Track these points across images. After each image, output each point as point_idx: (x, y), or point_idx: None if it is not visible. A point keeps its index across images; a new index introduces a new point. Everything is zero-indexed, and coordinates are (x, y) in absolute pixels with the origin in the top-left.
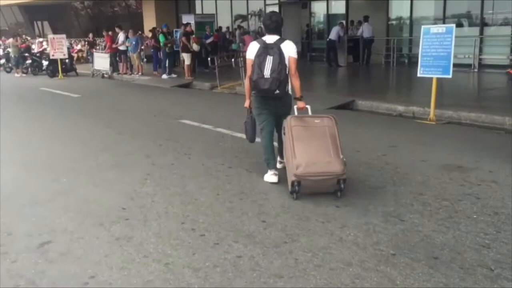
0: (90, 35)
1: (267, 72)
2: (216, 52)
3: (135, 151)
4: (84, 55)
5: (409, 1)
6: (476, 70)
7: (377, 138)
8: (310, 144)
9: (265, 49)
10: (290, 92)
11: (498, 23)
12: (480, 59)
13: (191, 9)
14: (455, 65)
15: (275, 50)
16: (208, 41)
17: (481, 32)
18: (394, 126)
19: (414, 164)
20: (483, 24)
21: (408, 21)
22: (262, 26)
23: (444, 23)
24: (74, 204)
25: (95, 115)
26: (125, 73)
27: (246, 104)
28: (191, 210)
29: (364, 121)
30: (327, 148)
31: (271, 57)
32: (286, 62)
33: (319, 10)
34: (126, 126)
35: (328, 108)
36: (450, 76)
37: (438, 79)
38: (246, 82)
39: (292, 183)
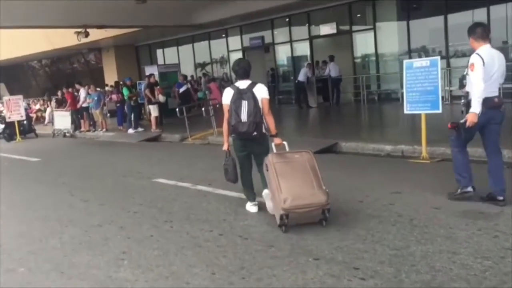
0: (59, 93)
1: (244, 116)
2: (190, 101)
3: (106, 223)
4: (44, 114)
5: (373, 38)
6: (448, 102)
7: (375, 184)
8: (293, 179)
9: (240, 95)
10: (265, 131)
11: (465, 54)
12: (450, 91)
13: (152, 60)
14: None
15: (248, 94)
16: (182, 89)
17: (448, 64)
18: (388, 169)
19: (428, 213)
20: (449, 56)
21: (373, 58)
22: (226, 72)
23: (410, 57)
24: None
25: (56, 181)
26: (88, 130)
27: (225, 147)
28: None
29: (353, 165)
30: (310, 181)
31: (246, 102)
32: (260, 104)
33: (283, 52)
34: (93, 191)
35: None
36: (439, 111)
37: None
38: (225, 125)
39: (281, 216)
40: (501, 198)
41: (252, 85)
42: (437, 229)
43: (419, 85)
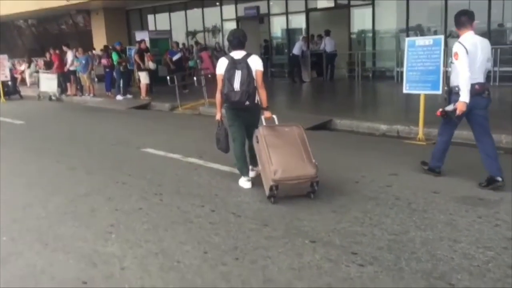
0: (47, 55)
1: (237, 85)
2: (183, 70)
3: (93, 193)
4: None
5: (371, 14)
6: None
7: (371, 164)
8: (284, 151)
9: (234, 64)
10: (258, 102)
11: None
12: (447, 72)
13: (143, 26)
14: None
15: (243, 65)
16: (175, 57)
17: (446, 44)
18: (383, 149)
19: (427, 198)
20: (446, 36)
21: (370, 34)
22: (219, 42)
23: (407, 35)
24: (16, 277)
25: (42, 146)
26: (75, 95)
27: (218, 116)
28: (174, 279)
29: (348, 143)
30: (300, 154)
31: (240, 72)
32: (253, 75)
33: (278, 24)
34: (80, 159)
35: (306, 129)
36: (440, 92)
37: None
38: (218, 95)
39: (271, 187)
40: (499, 178)
41: (247, 56)
42: (437, 215)
43: (420, 64)
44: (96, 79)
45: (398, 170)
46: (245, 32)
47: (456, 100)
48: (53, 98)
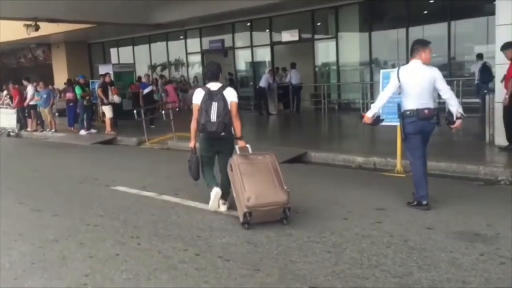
0: (5, 91)
1: (213, 117)
2: (154, 103)
3: (62, 238)
4: None
5: (335, 47)
6: None
7: (355, 199)
8: (257, 178)
9: (210, 96)
10: (232, 133)
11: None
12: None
13: (106, 59)
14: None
15: (219, 96)
16: (147, 90)
17: None
18: (363, 182)
19: (422, 234)
20: None
21: (334, 67)
22: (183, 75)
23: (371, 68)
24: None
25: (1, 186)
26: (35, 130)
27: (191, 144)
28: None
29: (327, 177)
30: (272, 181)
31: (216, 103)
32: (229, 107)
33: (243, 57)
34: (45, 199)
35: (281, 162)
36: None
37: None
38: (193, 124)
39: (244, 214)
40: (424, 202)
41: (223, 88)
42: (437, 253)
43: (395, 96)
44: (57, 114)
45: (384, 204)
46: (220, 65)
47: (407, 122)
48: (12, 134)
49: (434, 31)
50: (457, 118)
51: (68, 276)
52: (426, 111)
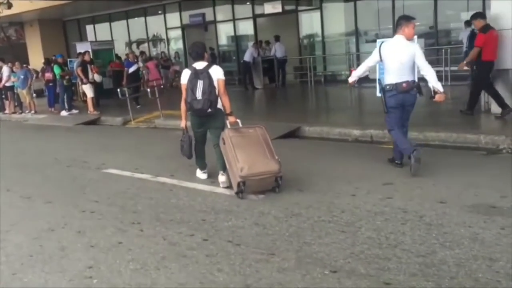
0: None
1: (199, 94)
2: (139, 81)
3: (58, 226)
4: None
5: (319, 19)
6: None
7: (359, 173)
8: (249, 149)
9: (196, 75)
10: (220, 108)
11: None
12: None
13: (82, 37)
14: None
15: (204, 75)
16: (132, 69)
17: None
18: (364, 156)
19: (436, 209)
20: None
21: (319, 39)
22: (164, 51)
23: (357, 39)
24: None
25: None
26: (14, 112)
27: (182, 124)
28: None
29: (326, 152)
30: (264, 152)
31: (201, 81)
32: (215, 84)
33: (225, 31)
34: (34, 185)
35: (275, 138)
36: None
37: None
38: (182, 104)
39: (238, 184)
40: (398, 162)
41: (208, 66)
42: (456, 229)
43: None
44: (34, 95)
45: (390, 178)
46: (190, 41)
47: (387, 96)
48: None
49: None
50: (435, 93)
51: (71, 268)
52: (404, 84)
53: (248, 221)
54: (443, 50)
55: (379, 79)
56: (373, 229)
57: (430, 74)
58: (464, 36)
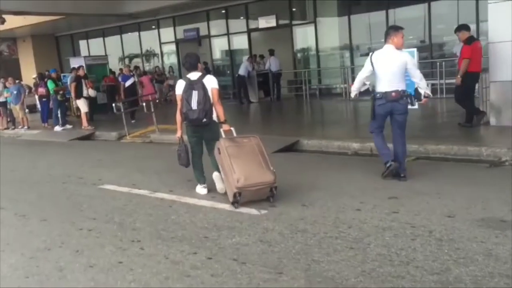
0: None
1: (194, 105)
2: (136, 95)
3: (55, 245)
4: None
5: (314, 33)
6: None
7: (362, 187)
8: (244, 160)
9: (191, 85)
10: (216, 119)
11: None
12: None
13: (75, 52)
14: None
15: (199, 85)
16: (129, 83)
17: None
18: (365, 169)
19: (444, 223)
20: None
21: (314, 52)
22: (158, 66)
23: (351, 52)
24: None
25: None
26: (6, 128)
27: (178, 134)
28: None
29: (326, 165)
30: (259, 162)
31: (196, 92)
32: (210, 94)
33: (219, 46)
34: (29, 203)
35: (274, 151)
36: (416, 107)
37: None
38: (178, 114)
39: (234, 194)
40: (402, 175)
41: (202, 76)
42: (468, 244)
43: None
44: (27, 110)
45: (394, 192)
46: (197, 55)
47: (376, 104)
48: None
49: (414, 12)
50: (424, 97)
51: None
52: (393, 94)
53: (252, 238)
54: (438, 63)
55: (373, 86)
56: (382, 245)
57: (422, 82)
58: (457, 49)
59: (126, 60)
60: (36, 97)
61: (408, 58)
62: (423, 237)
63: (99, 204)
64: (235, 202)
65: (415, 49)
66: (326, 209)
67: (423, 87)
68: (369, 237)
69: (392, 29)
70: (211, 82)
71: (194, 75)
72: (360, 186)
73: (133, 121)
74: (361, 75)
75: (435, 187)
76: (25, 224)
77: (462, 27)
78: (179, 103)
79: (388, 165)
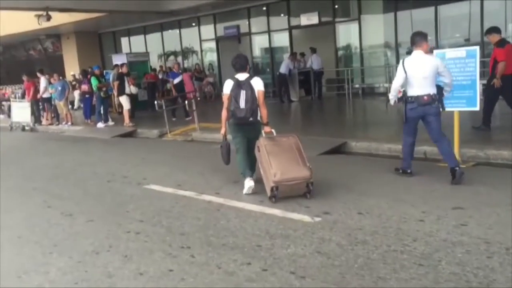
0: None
1: (242, 104)
2: (183, 92)
3: (103, 249)
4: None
5: (357, 30)
6: None
7: (421, 195)
8: (282, 156)
9: (239, 85)
10: (259, 119)
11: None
12: None
13: (117, 49)
14: None
15: (246, 85)
16: (177, 80)
17: None
18: (421, 175)
19: None
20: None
21: (357, 50)
22: (198, 63)
23: (397, 50)
24: None
25: (25, 186)
26: (51, 124)
27: (222, 131)
28: None
29: (377, 169)
30: (296, 159)
31: (244, 91)
32: (256, 94)
33: (260, 43)
34: (75, 201)
35: (321, 154)
36: (477, 108)
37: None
38: (224, 112)
39: (272, 188)
40: (457, 168)
41: (250, 77)
42: None
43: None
44: (70, 106)
45: (459, 202)
46: (223, 52)
47: (408, 108)
48: (27, 128)
49: (462, 8)
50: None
51: None
52: (425, 97)
53: (309, 249)
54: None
55: (404, 90)
56: (455, 263)
57: (451, 82)
58: None
59: (164, 57)
60: (75, 94)
61: (439, 62)
62: (500, 255)
63: (145, 205)
64: (273, 197)
65: (477, 47)
66: (386, 218)
67: (449, 86)
68: (438, 252)
69: (420, 36)
70: (258, 84)
71: (242, 76)
72: (419, 193)
73: (174, 119)
74: (396, 83)
75: (504, 197)
76: (71, 224)
77: (492, 30)
78: (226, 101)
79: (408, 171)
